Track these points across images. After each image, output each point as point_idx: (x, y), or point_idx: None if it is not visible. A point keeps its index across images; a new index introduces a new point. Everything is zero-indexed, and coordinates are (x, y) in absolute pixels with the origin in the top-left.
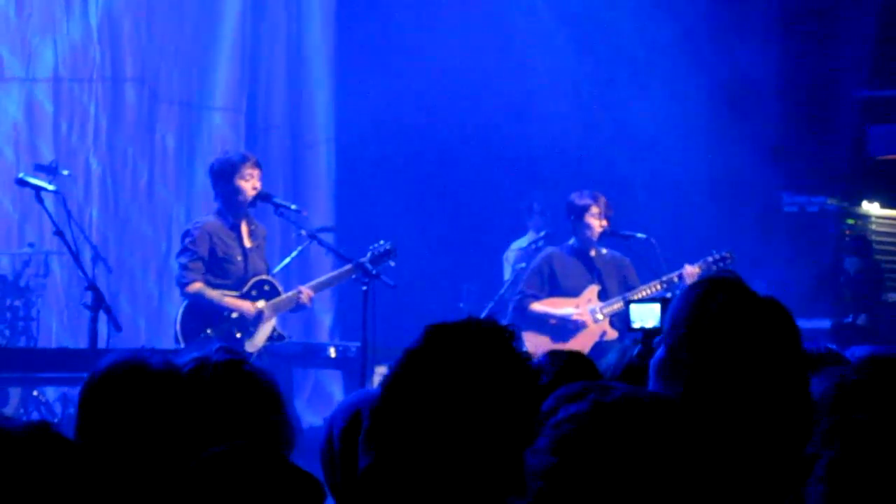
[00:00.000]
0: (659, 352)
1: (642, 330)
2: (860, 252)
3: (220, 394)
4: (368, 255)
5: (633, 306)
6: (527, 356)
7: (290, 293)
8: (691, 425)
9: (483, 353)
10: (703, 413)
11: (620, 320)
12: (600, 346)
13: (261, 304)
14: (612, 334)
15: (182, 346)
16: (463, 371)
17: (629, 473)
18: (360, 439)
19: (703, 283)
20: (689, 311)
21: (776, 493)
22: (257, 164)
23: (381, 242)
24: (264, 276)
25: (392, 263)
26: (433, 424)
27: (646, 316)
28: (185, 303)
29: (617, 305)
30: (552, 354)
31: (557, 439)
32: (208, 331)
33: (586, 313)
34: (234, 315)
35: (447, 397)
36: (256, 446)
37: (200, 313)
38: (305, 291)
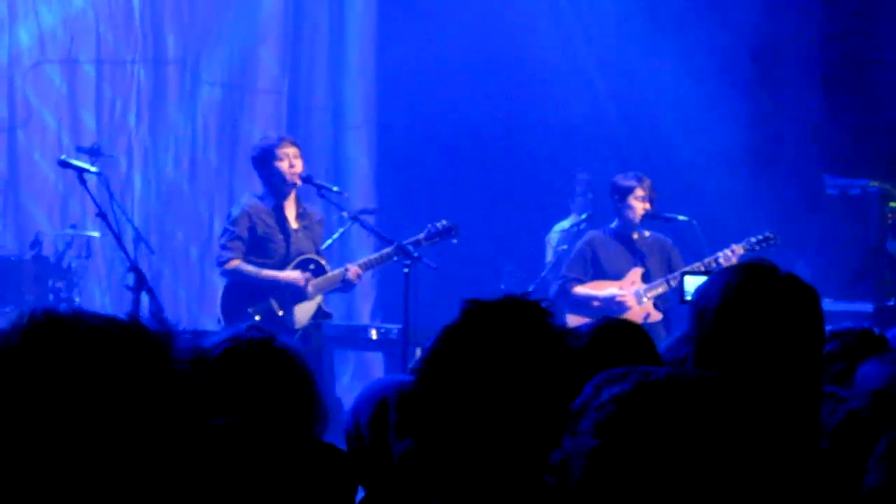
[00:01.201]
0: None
1: None
2: None
3: (252, 371)
4: (424, 233)
5: (687, 278)
6: (564, 332)
7: (336, 270)
8: (735, 404)
9: (521, 328)
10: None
11: (664, 302)
12: (644, 329)
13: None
14: (657, 316)
15: (223, 325)
16: (502, 347)
17: (672, 454)
18: (391, 427)
19: (732, 267)
20: (708, 292)
21: (792, 473)
22: (293, 143)
23: (443, 221)
24: (311, 255)
25: (454, 240)
26: (474, 400)
27: None
28: (225, 282)
29: (661, 288)
30: (599, 321)
31: (600, 421)
32: (249, 310)
33: (630, 295)
34: (282, 284)
35: (487, 373)
36: (271, 421)
37: (240, 292)
38: (353, 268)
